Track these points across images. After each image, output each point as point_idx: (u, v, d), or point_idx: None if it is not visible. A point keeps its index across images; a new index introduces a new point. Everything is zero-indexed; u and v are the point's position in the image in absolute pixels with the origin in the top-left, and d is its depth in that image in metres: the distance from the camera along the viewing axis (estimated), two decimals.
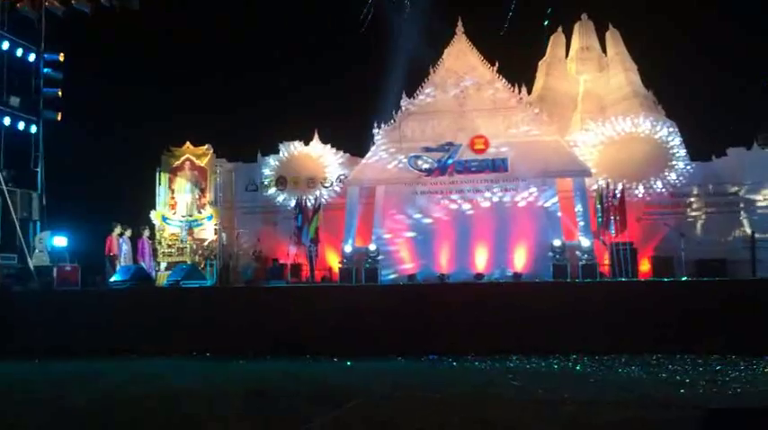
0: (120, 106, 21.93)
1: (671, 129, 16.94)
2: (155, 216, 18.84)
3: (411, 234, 17.46)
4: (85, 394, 8.34)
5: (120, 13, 17.99)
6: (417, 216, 17.56)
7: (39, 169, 18.32)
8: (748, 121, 18.34)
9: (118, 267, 15.92)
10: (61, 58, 19.00)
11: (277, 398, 7.95)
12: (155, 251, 18.13)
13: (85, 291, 14.61)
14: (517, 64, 19.14)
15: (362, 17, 14.48)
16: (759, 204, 16.66)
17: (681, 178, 16.79)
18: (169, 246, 18.56)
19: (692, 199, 17.11)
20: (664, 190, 16.82)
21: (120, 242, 16.64)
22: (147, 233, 17.63)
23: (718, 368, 9.24)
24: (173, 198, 19.11)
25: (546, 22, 19.40)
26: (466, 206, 17.35)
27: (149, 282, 15.31)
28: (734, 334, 10.46)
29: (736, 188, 16.88)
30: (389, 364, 10.48)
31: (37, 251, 16.05)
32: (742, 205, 16.77)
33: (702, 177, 17.07)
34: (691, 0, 20.45)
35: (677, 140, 16.90)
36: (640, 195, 16.78)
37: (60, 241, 16.42)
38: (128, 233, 16.95)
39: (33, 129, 18.48)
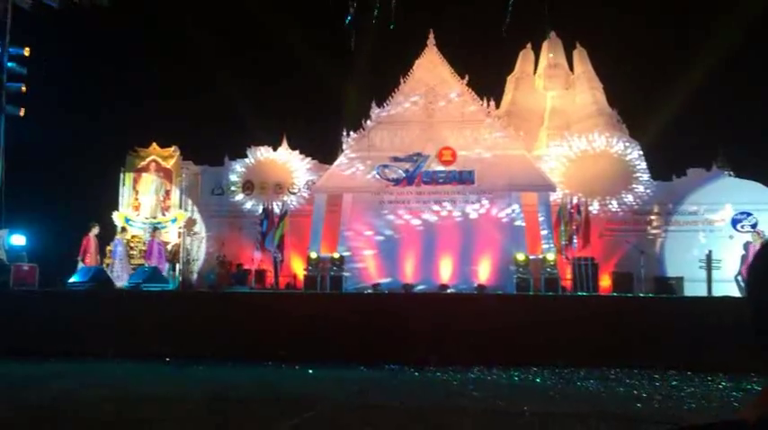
0: (83, 104, 21.60)
1: (638, 151, 17.34)
2: (117, 217, 18.51)
3: (377, 242, 17.49)
4: (38, 396, 8.15)
5: (90, 9, 17.70)
6: (384, 225, 17.59)
7: None
8: (708, 143, 18.88)
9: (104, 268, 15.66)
10: (26, 52, 18.60)
11: (236, 405, 7.88)
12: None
13: (43, 291, 14.29)
14: (486, 78, 19.40)
15: (344, 26, 14.56)
16: (716, 224, 17.11)
17: (642, 197, 17.17)
18: (131, 249, 18.25)
19: (653, 217, 17.49)
20: (625, 207, 17.19)
21: (95, 243, 16.30)
22: (159, 236, 17.32)
23: (674, 383, 9.44)
24: (137, 199, 18.82)
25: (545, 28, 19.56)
26: (432, 217, 17.45)
27: (109, 285, 15.03)
28: (690, 350, 10.70)
29: (695, 208, 17.31)
30: (351, 373, 10.46)
31: None
32: (700, 225, 17.20)
33: (663, 196, 17.47)
34: (654, 21, 20.97)
35: (640, 160, 17.30)
36: (599, 212, 17.11)
37: (18, 240, 16.04)
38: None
39: None
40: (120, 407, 7.63)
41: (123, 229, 17.68)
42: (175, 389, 8.89)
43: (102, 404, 7.73)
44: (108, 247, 17.36)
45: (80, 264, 15.78)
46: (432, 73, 17.91)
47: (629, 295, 13.84)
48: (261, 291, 16.02)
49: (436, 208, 17.47)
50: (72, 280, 14.77)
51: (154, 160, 19.06)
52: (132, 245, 18.28)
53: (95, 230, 16.28)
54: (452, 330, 11.48)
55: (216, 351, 11.62)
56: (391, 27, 14.60)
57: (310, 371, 10.47)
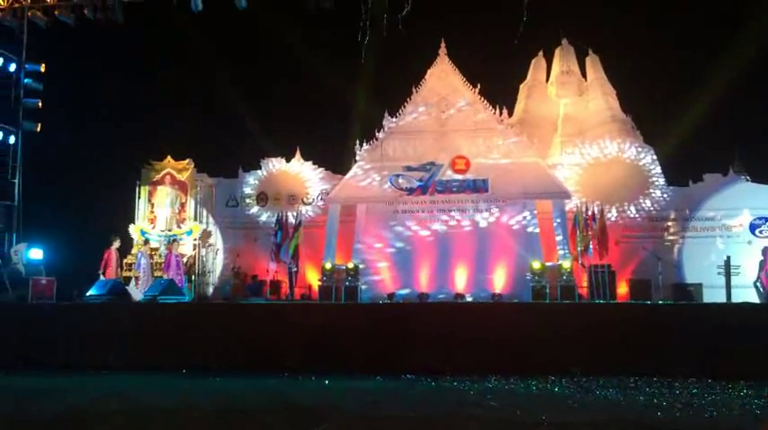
0: (98, 117, 21.80)
1: (652, 156, 17.25)
2: (133, 230, 18.63)
3: (391, 252, 17.46)
4: (52, 409, 8.16)
5: (105, 25, 17.88)
6: (398, 235, 17.58)
7: (16, 180, 18.07)
8: (724, 147, 18.70)
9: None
10: (42, 68, 18.84)
11: (251, 417, 7.85)
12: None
13: (60, 304, 14.36)
14: (498, 86, 19.38)
15: (356, 37, 14.74)
16: (734, 230, 16.92)
17: (659, 203, 17.05)
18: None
19: (670, 223, 17.34)
20: (642, 214, 17.07)
21: (116, 256, 16.39)
22: (176, 249, 17.28)
23: (694, 391, 9.29)
24: (152, 212, 18.96)
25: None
26: (446, 226, 17.41)
27: (126, 297, 15.08)
28: (710, 358, 10.55)
29: (712, 213, 17.13)
30: (367, 383, 10.40)
31: (12, 263, 15.79)
32: (718, 230, 17.02)
33: (679, 202, 17.32)
34: (667, 27, 20.88)
35: (654, 165, 17.19)
36: (616, 218, 16.99)
37: (36, 254, 16.18)
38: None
39: (12, 139, 18.25)
40: (132, 420, 7.62)
41: (146, 242, 17.78)
42: (189, 402, 8.87)
43: (113, 416, 7.72)
44: (126, 260, 17.46)
45: (101, 277, 15.86)
46: (444, 82, 17.93)
47: (647, 302, 13.68)
48: (276, 301, 16.02)
49: (449, 217, 17.43)
50: (90, 293, 14.84)
51: (169, 173, 19.21)
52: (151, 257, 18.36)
53: (116, 244, 16.32)
54: (468, 339, 11.38)
55: (231, 363, 11.61)
56: (401, 30, 14.66)
57: (326, 382, 10.43)
